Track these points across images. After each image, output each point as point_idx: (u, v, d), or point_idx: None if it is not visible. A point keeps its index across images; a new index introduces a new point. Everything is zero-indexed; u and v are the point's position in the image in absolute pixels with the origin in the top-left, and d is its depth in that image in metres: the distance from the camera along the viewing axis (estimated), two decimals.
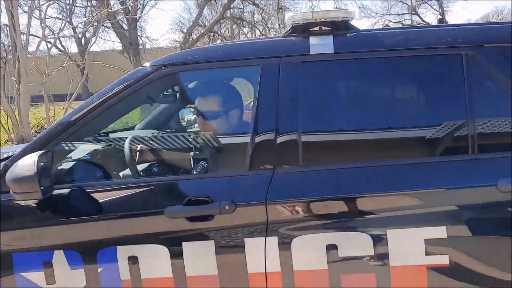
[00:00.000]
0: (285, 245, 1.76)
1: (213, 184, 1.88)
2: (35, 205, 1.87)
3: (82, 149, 2.29)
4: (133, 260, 1.83)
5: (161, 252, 1.82)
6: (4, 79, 9.35)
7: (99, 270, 1.85)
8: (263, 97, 1.87)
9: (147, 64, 2.03)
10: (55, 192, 1.86)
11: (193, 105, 3.05)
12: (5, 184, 1.93)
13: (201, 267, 1.81)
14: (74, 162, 2.18)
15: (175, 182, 1.98)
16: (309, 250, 1.76)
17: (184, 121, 3.11)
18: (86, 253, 1.85)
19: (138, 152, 2.30)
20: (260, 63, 1.90)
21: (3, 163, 2.03)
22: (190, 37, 14.80)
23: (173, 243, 1.82)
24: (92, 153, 2.27)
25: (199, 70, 2.03)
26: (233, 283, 1.81)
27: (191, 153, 2.26)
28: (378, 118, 1.88)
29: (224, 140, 2.24)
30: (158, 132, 2.73)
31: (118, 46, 19.31)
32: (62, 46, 18.37)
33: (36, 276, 1.87)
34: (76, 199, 1.91)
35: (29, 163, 1.74)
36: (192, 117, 3.26)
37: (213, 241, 1.80)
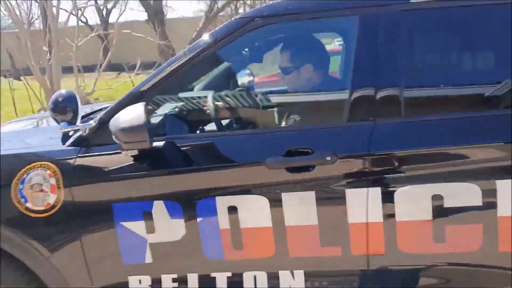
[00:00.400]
0: (388, 196, 1.76)
1: (313, 135, 1.87)
2: (134, 156, 1.89)
3: (166, 106, 2.29)
4: (232, 210, 1.85)
5: (261, 202, 1.83)
6: (31, 50, 9.39)
7: (198, 220, 1.88)
8: (361, 48, 1.84)
9: (238, 17, 2.01)
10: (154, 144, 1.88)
11: (250, 67, 3.02)
12: (100, 137, 1.97)
13: (301, 217, 1.83)
14: (162, 117, 2.19)
15: (274, 134, 1.98)
16: (413, 200, 1.75)
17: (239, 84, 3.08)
18: (186, 204, 1.88)
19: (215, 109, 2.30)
20: (358, 13, 1.86)
21: (98, 116, 2.06)
22: (215, 6, 14.65)
23: (273, 193, 1.83)
24: (179, 109, 2.27)
25: (292, 22, 1.99)
26: (333, 232, 1.83)
27: (275, 109, 2.25)
28: (484, 68, 1.84)
29: (316, 94, 2.22)
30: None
31: (141, 17, 19.20)
32: (85, 17, 18.41)
33: (137, 226, 1.91)
34: (174, 151, 1.92)
35: (136, 113, 1.76)
36: (246, 80, 3.22)
37: (314, 192, 1.80)
